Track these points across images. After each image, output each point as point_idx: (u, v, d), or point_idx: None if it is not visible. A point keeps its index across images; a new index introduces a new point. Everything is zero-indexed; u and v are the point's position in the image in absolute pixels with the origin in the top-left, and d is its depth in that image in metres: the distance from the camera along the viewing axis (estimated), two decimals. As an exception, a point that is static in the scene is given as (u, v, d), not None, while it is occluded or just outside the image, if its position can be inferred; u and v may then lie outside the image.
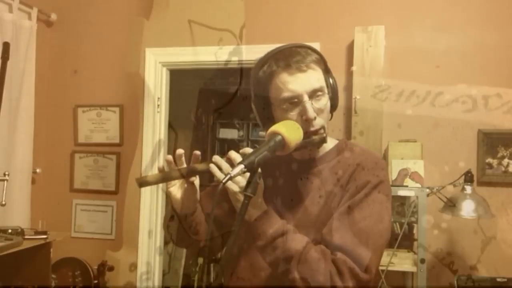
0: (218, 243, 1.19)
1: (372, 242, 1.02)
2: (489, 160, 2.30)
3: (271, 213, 1.05)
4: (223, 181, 0.90)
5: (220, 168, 1.02)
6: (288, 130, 1.00)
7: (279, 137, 0.99)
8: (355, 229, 1.02)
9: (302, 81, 1.06)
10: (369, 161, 1.12)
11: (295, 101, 1.07)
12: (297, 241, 1.02)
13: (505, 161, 2.29)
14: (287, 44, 1.12)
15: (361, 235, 1.02)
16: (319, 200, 1.11)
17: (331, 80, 1.14)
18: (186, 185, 1.12)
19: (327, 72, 1.14)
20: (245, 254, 1.16)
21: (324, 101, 1.09)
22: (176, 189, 1.13)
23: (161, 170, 1.10)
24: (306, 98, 1.06)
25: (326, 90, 1.10)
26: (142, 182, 1.06)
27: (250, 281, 1.14)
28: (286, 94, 1.07)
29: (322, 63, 1.13)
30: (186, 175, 1.08)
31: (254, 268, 1.13)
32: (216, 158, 1.04)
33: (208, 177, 1.09)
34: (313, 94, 1.07)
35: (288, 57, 1.08)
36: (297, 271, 0.98)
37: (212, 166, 1.03)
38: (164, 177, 1.08)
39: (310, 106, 1.06)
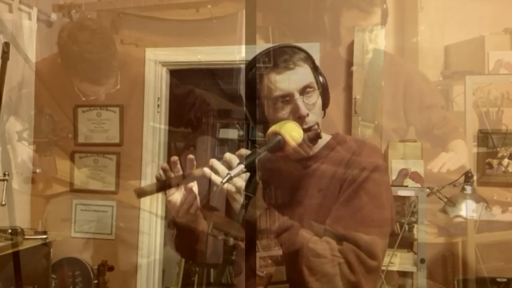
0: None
1: (375, 228, 1.02)
2: (489, 160, 2.30)
3: (272, 211, 1.04)
4: (223, 181, 0.90)
5: (216, 172, 1.00)
6: (288, 131, 1.01)
7: (278, 137, 0.99)
8: (357, 217, 1.02)
9: (291, 79, 1.07)
10: (364, 148, 1.13)
11: (286, 99, 1.08)
12: (301, 235, 1.01)
13: (505, 161, 2.28)
14: (273, 45, 1.13)
15: (363, 222, 1.02)
16: (318, 195, 1.11)
17: (320, 77, 1.14)
18: (184, 192, 1.11)
19: (315, 69, 1.14)
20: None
21: (315, 97, 1.10)
22: (175, 197, 1.11)
23: (158, 178, 1.08)
24: (297, 95, 1.07)
25: (316, 86, 1.11)
26: (141, 193, 1.06)
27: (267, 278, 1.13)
28: (277, 93, 1.07)
29: (310, 60, 1.13)
30: (183, 182, 1.08)
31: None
32: (213, 161, 1.03)
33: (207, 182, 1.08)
34: (303, 90, 1.08)
35: (275, 57, 1.08)
36: (305, 265, 0.97)
37: (206, 170, 1.00)
38: (162, 186, 1.07)
39: (302, 103, 1.07)
